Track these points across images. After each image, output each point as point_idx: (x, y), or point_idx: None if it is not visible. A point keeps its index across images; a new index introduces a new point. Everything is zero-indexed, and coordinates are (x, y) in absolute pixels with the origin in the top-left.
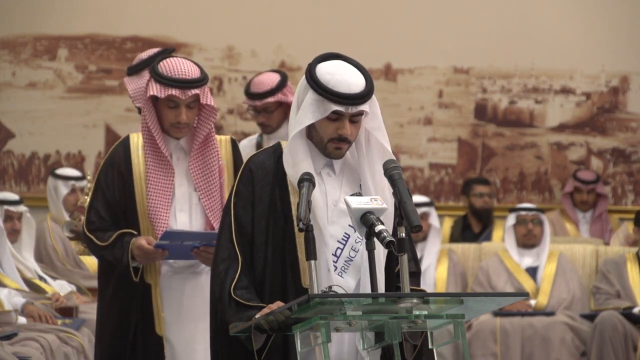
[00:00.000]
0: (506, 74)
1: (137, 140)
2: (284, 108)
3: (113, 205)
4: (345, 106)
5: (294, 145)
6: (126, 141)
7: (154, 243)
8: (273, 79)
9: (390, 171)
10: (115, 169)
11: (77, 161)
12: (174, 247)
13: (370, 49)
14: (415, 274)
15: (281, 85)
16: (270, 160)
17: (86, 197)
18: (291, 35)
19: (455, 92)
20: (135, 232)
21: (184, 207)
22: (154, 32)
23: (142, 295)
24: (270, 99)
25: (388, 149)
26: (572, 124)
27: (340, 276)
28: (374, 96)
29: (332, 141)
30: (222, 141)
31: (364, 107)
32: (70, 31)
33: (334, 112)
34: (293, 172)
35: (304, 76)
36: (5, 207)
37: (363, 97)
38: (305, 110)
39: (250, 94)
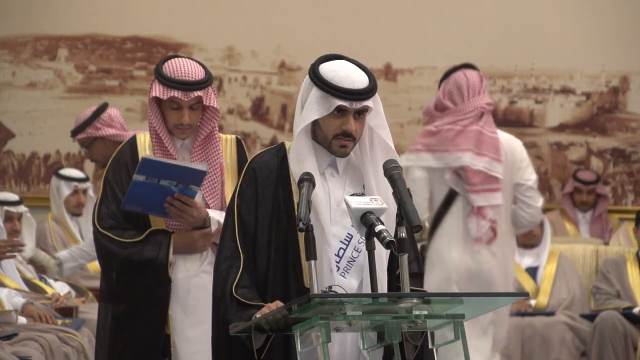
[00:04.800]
0: (506, 74)
1: (144, 140)
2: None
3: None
4: (350, 101)
5: (299, 143)
6: (133, 141)
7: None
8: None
9: (390, 171)
10: (123, 168)
11: (77, 161)
12: (150, 191)
13: (370, 49)
14: (418, 275)
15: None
16: (274, 160)
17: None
18: (291, 35)
19: None
20: (170, 230)
21: None
22: (154, 32)
23: (158, 293)
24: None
25: (391, 147)
26: (572, 124)
27: (343, 276)
28: (377, 94)
29: (336, 138)
30: (228, 140)
31: (368, 102)
32: (70, 31)
33: (338, 107)
34: (298, 170)
35: (307, 76)
36: (6, 207)
37: (367, 92)
38: (310, 108)
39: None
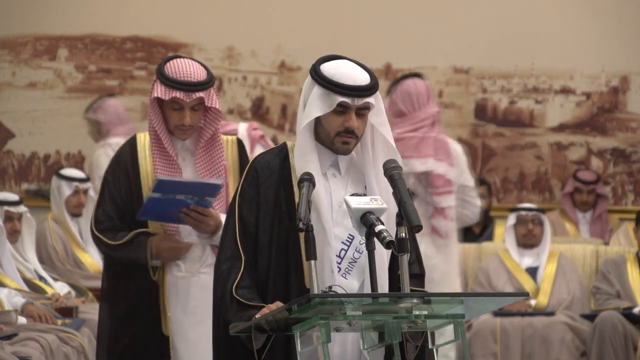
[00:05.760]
0: (506, 74)
1: (143, 140)
2: None
3: (120, 204)
4: (352, 98)
5: (303, 141)
6: (133, 141)
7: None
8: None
9: (390, 171)
10: (122, 168)
11: (77, 161)
12: (165, 204)
13: (370, 49)
14: (420, 276)
15: None
16: (276, 161)
17: None
18: (291, 35)
19: (455, 92)
20: (151, 231)
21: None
22: (154, 32)
23: (152, 294)
24: None
25: (392, 145)
26: (572, 124)
27: (344, 277)
28: (378, 92)
29: (339, 135)
30: (229, 141)
31: (370, 99)
32: (70, 31)
33: (340, 104)
34: (302, 168)
35: (308, 76)
36: (6, 207)
37: (369, 89)
38: (312, 105)
39: None
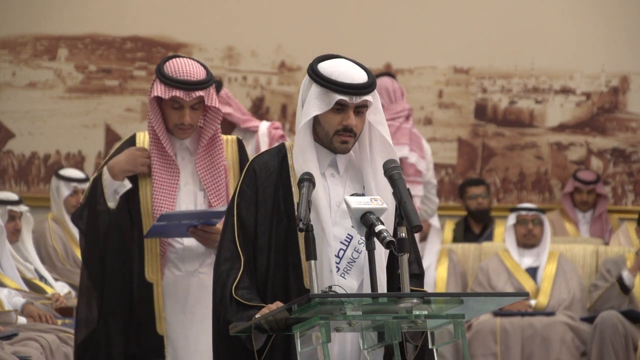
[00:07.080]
0: (506, 74)
1: (142, 140)
2: None
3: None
4: (350, 96)
5: (302, 140)
6: (132, 140)
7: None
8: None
9: (390, 171)
10: None
11: (77, 161)
12: (172, 227)
13: (370, 49)
14: (419, 276)
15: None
16: (274, 161)
17: None
18: (291, 35)
19: (455, 92)
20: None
21: (189, 207)
22: (154, 32)
23: (142, 293)
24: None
25: (390, 143)
26: (572, 124)
27: (343, 277)
28: (375, 91)
29: (337, 134)
30: (228, 141)
31: (368, 97)
32: (70, 31)
33: (339, 102)
34: (301, 168)
35: (306, 76)
36: (9, 207)
37: (367, 87)
38: (310, 104)
39: None
